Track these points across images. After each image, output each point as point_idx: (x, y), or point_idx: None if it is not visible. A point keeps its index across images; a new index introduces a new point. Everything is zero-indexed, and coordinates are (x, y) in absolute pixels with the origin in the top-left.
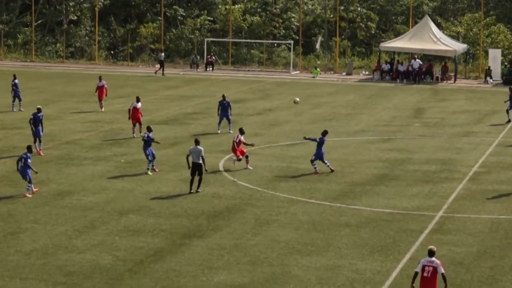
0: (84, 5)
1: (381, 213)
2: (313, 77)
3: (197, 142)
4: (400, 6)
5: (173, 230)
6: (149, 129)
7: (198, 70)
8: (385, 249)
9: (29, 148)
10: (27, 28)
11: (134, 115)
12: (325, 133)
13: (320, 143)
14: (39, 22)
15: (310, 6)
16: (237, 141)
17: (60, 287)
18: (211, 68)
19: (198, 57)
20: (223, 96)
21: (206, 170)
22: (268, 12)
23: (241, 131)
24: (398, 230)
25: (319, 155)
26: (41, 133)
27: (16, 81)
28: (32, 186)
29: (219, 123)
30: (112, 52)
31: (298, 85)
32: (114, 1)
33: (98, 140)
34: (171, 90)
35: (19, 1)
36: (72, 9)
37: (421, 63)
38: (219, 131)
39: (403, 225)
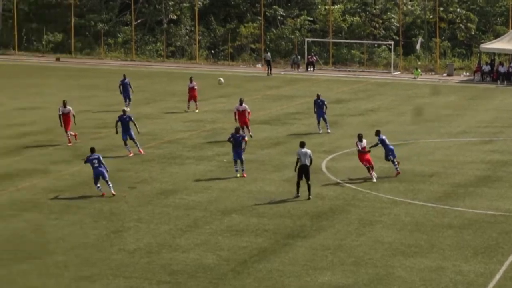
0: (184, 4)
1: (484, 215)
2: (414, 78)
3: (303, 145)
4: (499, 7)
5: (277, 230)
6: (237, 130)
7: (299, 70)
8: (488, 251)
9: (92, 149)
10: (127, 27)
11: (240, 118)
12: (377, 132)
13: (383, 143)
14: (139, 21)
15: (409, 7)
16: (360, 148)
17: (164, 286)
18: (312, 68)
19: (299, 57)
20: (318, 95)
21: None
22: (367, 13)
23: (360, 138)
24: (501, 232)
25: (391, 152)
26: (132, 134)
27: (127, 80)
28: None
29: (318, 123)
30: (212, 51)
31: (399, 86)
32: (214, 0)
33: (200, 140)
34: (273, 90)
35: (119, 0)
36: (171, 8)
37: None
38: (320, 131)
39: (505, 227)
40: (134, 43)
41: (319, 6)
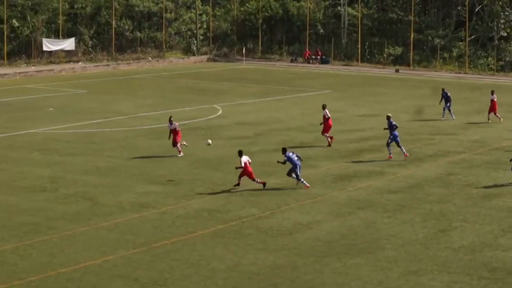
0: None
1: None
2: None
3: None
4: None
5: None
6: None
7: None
8: None
9: (284, 149)
10: (461, 43)
11: None
12: None
13: None
14: (472, 37)
15: None
16: None
17: (483, 281)
18: None
19: None
20: None
21: None
22: None
23: None
24: None
25: None
26: (397, 138)
27: (446, 91)
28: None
29: None
30: None
31: None
32: None
33: None
34: None
35: (454, 18)
36: (502, 26)
37: None
38: None
39: None
40: (467, 57)
41: None
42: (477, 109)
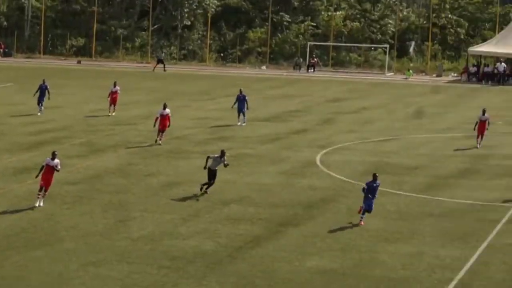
0: (198, 11)
1: (463, 204)
2: (406, 78)
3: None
4: (488, 14)
5: (271, 219)
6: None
7: (301, 71)
8: (465, 237)
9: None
10: (144, 32)
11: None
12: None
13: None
14: (155, 26)
15: (405, 13)
16: None
17: (164, 270)
18: (312, 70)
19: (301, 59)
20: (240, 90)
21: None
22: (366, 19)
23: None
24: (478, 220)
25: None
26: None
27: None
28: None
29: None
30: (221, 54)
31: (392, 86)
32: (226, 7)
33: (205, 135)
34: (275, 90)
35: (138, 8)
36: (186, 15)
37: (505, 66)
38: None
39: (482, 215)
40: (150, 47)
41: (323, 13)
42: (161, 98)
